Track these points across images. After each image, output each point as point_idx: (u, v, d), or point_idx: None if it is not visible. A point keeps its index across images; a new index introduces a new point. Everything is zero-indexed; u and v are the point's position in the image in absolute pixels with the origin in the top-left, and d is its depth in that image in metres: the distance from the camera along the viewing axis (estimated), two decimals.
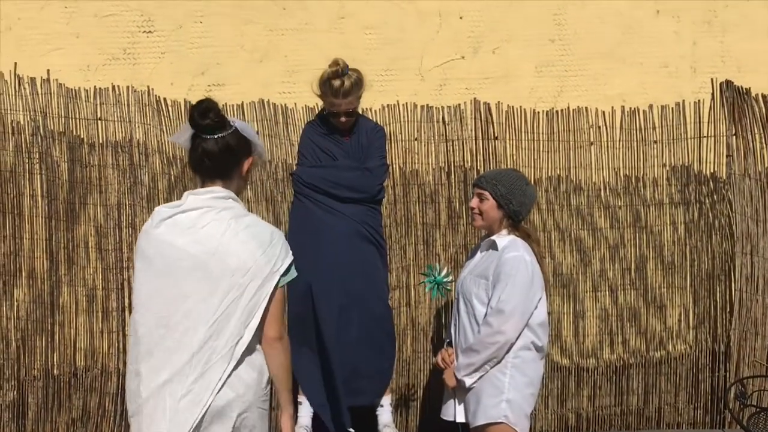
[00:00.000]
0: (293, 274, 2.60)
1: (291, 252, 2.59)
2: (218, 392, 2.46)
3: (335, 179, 3.88)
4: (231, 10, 5.11)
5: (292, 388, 2.89)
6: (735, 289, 4.58)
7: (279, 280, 2.53)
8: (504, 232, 3.37)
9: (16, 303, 4.45)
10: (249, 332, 2.50)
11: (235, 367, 2.49)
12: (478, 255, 3.46)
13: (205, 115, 2.54)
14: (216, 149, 2.55)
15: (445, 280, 3.64)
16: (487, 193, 3.36)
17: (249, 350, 2.52)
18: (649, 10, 5.23)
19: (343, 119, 3.91)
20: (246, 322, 2.50)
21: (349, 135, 3.99)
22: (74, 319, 4.49)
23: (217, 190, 2.58)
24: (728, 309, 4.62)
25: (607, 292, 4.65)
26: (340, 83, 3.85)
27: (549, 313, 3.62)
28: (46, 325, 4.45)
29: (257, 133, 4.49)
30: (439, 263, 3.61)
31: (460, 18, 5.18)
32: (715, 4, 5.23)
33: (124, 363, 4.46)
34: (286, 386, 2.60)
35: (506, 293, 3.21)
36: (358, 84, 3.90)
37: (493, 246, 3.36)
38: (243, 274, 2.49)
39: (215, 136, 2.55)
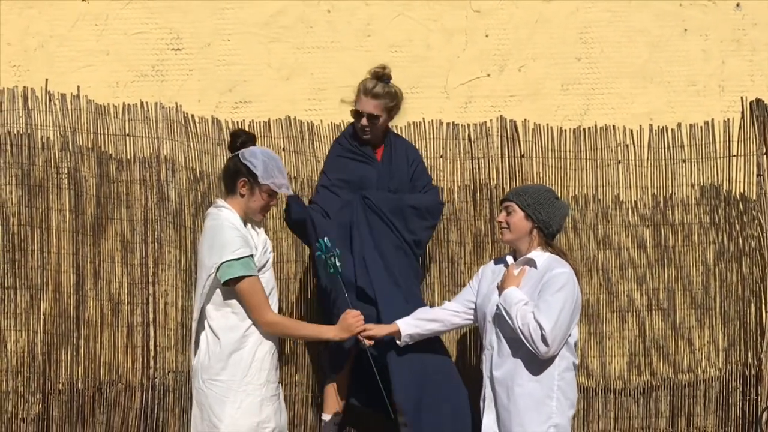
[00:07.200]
0: (238, 270, 3.19)
1: (240, 250, 3.20)
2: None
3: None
4: (258, 28, 5.16)
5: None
6: (766, 312, 4.49)
7: (218, 273, 3.20)
8: (539, 249, 3.29)
9: (42, 316, 4.48)
10: (196, 310, 3.31)
11: (198, 335, 3.31)
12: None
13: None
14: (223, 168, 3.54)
15: (329, 259, 3.47)
16: (514, 205, 3.29)
17: (201, 327, 3.30)
18: (676, 29, 5.20)
19: (363, 121, 3.88)
20: (199, 304, 3.30)
21: (381, 153, 3.97)
22: (99, 333, 4.51)
23: (217, 202, 3.43)
24: (759, 332, 4.53)
25: (633, 315, 4.58)
26: (373, 84, 3.87)
27: None
28: (72, 339, 4.47)
29: (282, 149, 4.58)
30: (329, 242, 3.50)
31: (486, 36, 5.18)
32: (744, 22, 5.19)
33: (149, 378, 4.47)
34: (303, 334, 3.56)
35: (555, 309, 3.10)
36: (391, 96, 3.89)
37: (530, 263, 3.27)
38: (200, 266, 3.33)
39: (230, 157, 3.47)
